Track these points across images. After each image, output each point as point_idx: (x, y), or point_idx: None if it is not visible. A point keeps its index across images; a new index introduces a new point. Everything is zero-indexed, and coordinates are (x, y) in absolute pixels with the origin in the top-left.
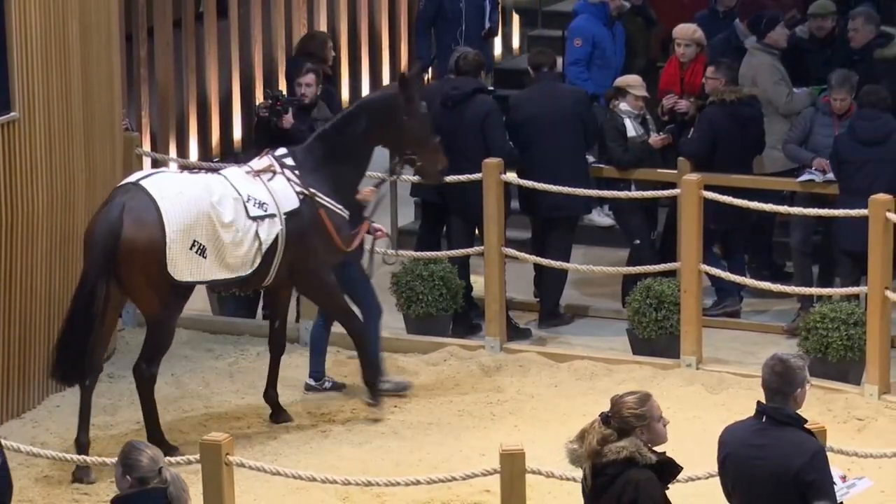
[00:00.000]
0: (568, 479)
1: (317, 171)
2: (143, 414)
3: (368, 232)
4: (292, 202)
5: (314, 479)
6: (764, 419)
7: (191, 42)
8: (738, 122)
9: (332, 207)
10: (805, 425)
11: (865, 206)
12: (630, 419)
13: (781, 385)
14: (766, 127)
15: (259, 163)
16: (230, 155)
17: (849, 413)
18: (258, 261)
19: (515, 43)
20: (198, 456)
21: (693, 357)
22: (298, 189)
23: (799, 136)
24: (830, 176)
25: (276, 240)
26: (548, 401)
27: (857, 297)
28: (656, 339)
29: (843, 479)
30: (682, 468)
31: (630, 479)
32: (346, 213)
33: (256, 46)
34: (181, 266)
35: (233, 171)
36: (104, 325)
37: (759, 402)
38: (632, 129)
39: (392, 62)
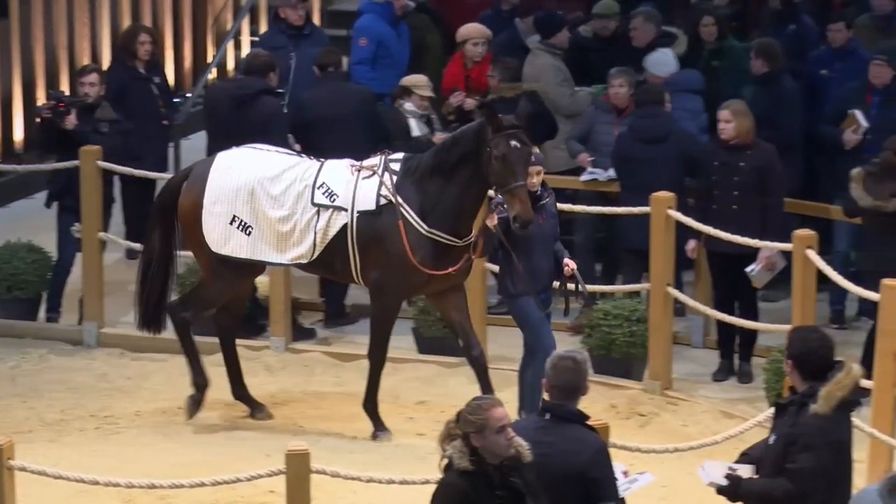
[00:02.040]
0: (353, 479)
1: (419, 183)
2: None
3: (560, 264)
4: (368, 203)
5: (97, 483)
6: (548, 416)
7: None
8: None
9: (412, 221)
10: (588, 422)
11: (647, 204)
12: (464, 424)
13: (578, 382)
14: None
15: (369, 160)
16: (11, 156)
17: (632, 409)
18: (318, 252)
19: None
20: None
21: None
22: (383, 192)
23: (580, 133)
24: (612, 174)
25: (344, 235)
26: (333, 400)
27: (639, 293)
28: (442, 337)
29: (626, 474)
30: (498, 485)
31: (440, 480)
32: (434, 233)
33: (38, 46)
34: (216, 238)
35: (334, 161)
36: (165, 274)
37: (543, 400)
38: (416, 128)
39: (176, 63)
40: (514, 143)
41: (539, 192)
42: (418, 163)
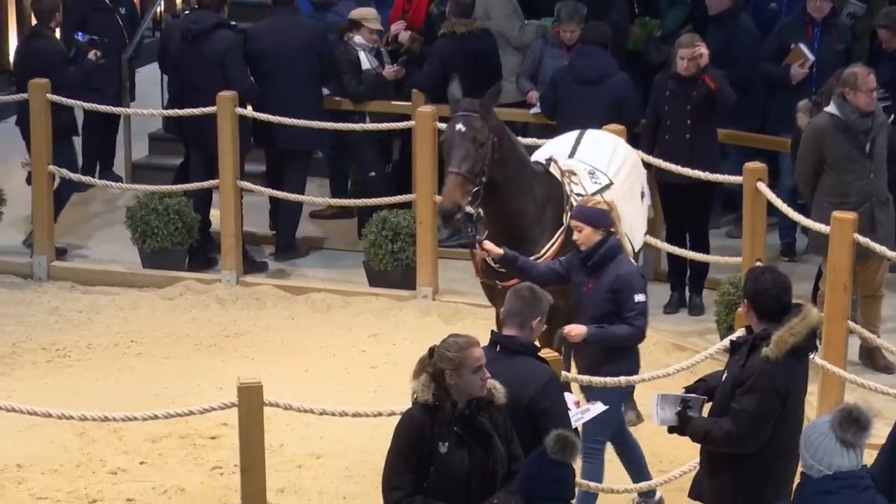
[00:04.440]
0: (306, 412)
1: None
2: None
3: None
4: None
5: (50, 416)
6: (498, 348)
7: None
8: (468, 55)
9: None
10: (539, 353)
11: None
12: (441, 360)
13: (523, 308)
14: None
15: None
16: None
17: None
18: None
19: None
20: None
21: (429, 288)
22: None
23: (529, 68)
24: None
25: None
26: (285, 333)
27: None
28: (392, 270)
29: (577, 404)
30: (454, 421)
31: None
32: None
33: None
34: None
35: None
36: None
37: (492, 332)
38: (366, 61)
39: None
40: (455, 126)
41: (590, 254)
42: None
